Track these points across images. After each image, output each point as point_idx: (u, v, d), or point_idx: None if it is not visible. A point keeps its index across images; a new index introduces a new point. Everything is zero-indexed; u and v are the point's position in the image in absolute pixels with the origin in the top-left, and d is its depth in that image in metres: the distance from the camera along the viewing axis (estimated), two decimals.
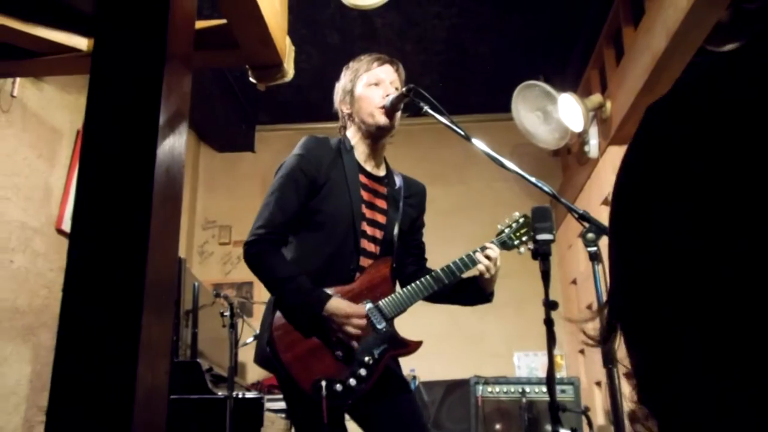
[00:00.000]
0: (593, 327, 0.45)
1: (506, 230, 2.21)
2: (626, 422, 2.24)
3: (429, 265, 2.30)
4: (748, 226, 0.32)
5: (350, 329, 1.91)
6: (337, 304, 1.93)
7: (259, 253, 1.96)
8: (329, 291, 1.97)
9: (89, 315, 0.76)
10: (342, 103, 2.21)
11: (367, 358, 1.96)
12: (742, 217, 0.32)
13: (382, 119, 2.09)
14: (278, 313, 1.96)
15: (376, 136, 2.15)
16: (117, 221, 0.80)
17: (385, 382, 2.00)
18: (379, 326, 2.00)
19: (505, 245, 2.19)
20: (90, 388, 0.72)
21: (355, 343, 1.94)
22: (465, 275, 2.14)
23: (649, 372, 0.38)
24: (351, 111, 2.18)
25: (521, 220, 2.21)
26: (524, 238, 2.20)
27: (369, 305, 2.02)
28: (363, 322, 1.95)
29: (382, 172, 2.22)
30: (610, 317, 0.42)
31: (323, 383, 1.85)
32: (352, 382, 1.92)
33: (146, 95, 0.84)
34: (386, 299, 2.05)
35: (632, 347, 0.40)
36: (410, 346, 2.07)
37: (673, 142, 0.37)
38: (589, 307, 4.42)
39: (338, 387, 1.89)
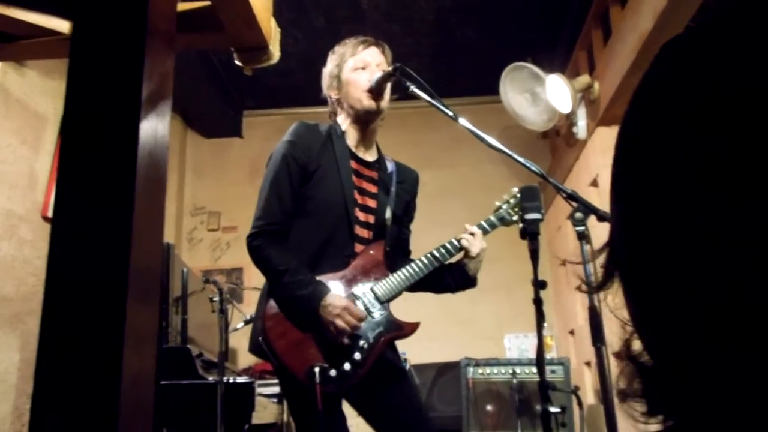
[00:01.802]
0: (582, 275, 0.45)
1: (504, 206, 2.21)
2: (615, 400, 2.26)
3: (419, 247, 2.29)
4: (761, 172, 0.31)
5: (343, 324, 1.89)
6: (334, 298, 1.92)
7: (259, 246, 1.96)
8: (323, 276, 1.96)
9: (73, 301, 0.75)
10: (330, 89, 2.19)
11: (362, 342, 1.95)
12: (755, 164, 0.31)
13: (369, 103, 2.08)
14: (271, 302, 1.95)
15: (365, 121, 2.13)
16: (100, 206, 0.79)
17: (382, 369, 1.99)
18: (373, 310, 2.00)
19: (503, 220, 2.18)
20: (75, 373, 0.72)
21: (347, 340, 1.92)
22: (450, 261, 2.14)
23: (648, 325, 0.38)
24: (339, 96, 2.16)
25: (519, 195, 2.20)
26: (521, 213, 2.19)
27: (365, 288, 2.02)
28: (359, 317, 1.93)
29: (373, 157, 2.20)
30: (609, 263, 0.41)
31: (317, 369, 1.84)
32: (347, 366, 1.91)
33: (127, 76, 0.83)
34: (380, 283, 2.04)
35: (630, 296, 0.39)
36: (406, 329, 2.06)
37: (689, 83, 0.36)
38: (579, 288, 4.45)
39: (332, 372, 1.88)
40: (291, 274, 1.91)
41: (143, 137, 0.82)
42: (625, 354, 0.40)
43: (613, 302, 0.42)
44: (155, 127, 0.86)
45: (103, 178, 0.80)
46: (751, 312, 0.30)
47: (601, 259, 0.43)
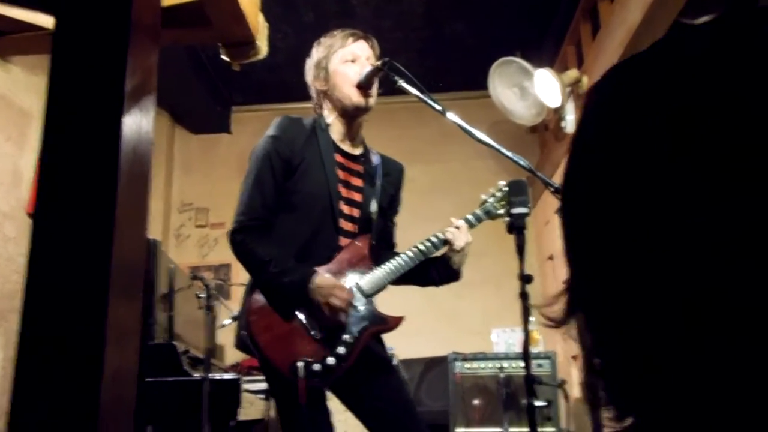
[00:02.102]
0: (554, 311, 0.46)
1: (490, 199, 2.20)
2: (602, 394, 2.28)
3: (407, 242, 2.29)
4: (716, 200, 0.31)
5: (336, 302, 1.90)
6: (323, 279, 1.92)
7: (242, 241, 1.95)
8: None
9: (54, 297, 0.74)
10: (316, 80, 2.16)
11: (346, 336, 1.95)
12: (707, 193, 0.32)
13: (359, 99, 2.06)
14: (254, 297, 1.94)
15: (352, 115, 2.12)
16: (82, 201, 0.78)
17: (369, 363, 1.99)
18: (358, 304, 2.00)
19: (489, 214, 2.18)
20: (56, 369, 0.71)
21: (343, 316, 1.93)
22: (436, 254, 2.15)
23: (610, 355, 0.39)
24: (326, 88, 2.14)
25: (505, 189, 2.20)
26: (508, 207, 2.19)
27: (350, 281, 2.02)
28: (349, 295, 1.94)
29: (358, 151, 2.20)
30: (571, 305, 0.42)
31: (300, 364, 1.84)
32: (331, 360, 1.91)
33: (110, 71, 0.82)
34: (365, 277, 2.04)
35: (593, 332, 0.40)
36: (390, 322, 2.06)
37: (635, 110, 0.36)
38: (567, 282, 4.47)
39: (316, 367, 1.88)
40: (276, 264, 1.91)
41: (126, 132, 0.81)
42: (585, 368, 0.41)
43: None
44: (139, 122, 0.85)
45: (86, 174, 0.79)
46: (716, 311, 0.31)
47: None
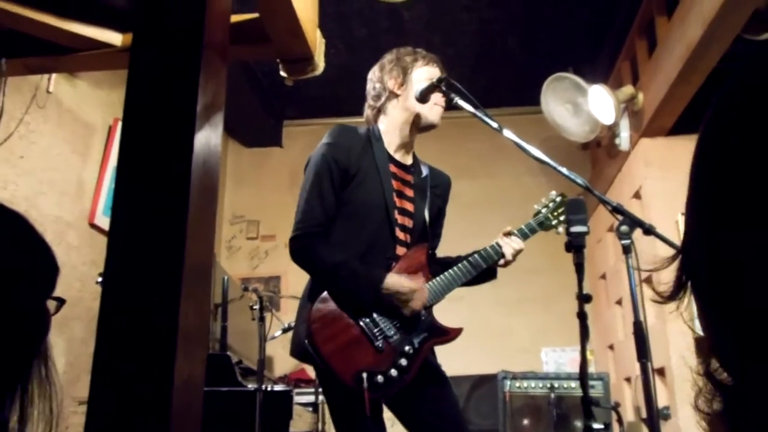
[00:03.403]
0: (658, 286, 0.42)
1: (543, 210, 2.20)
2: (658, 418, 2.20)
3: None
4: None
5: (414, 301, 1.93)
6: (396, 279, 1.94)
7: (304, 247, 1.97)
8: None
9: (128, 304, 0.77)
10: (391, 79, 2.15)
11: (407, 348, 1.95)
12: None
13: (437, 119, 2.13)
14: (317, 306, 1.94)
15: (418, 129, 2.16)
16: (155, 212, 0.81)
17: (424, 375, 1.99)
18: (415, 305, 1.99)
19: (542, 225, 2.19)
20: (130, 376, 0.73)
21: (423, 312, 1.96)
22: None
23: (728, 340, 0.36)
24: (400, 91, 2.14)
25: (558, 200, 2.19)
26: (562, 218, 2.18)
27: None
28: (425, 293, 1.96)
29: (409, 161, 2.21)
30: (681, 273, 0.40)
31: (364, 375, 1.84)
32: (393, 372, 1.90)
33: (183, 88, 0.85)
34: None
35: (707, 309, 0.38)
36: (451, 333, 2.05)
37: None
38: (619, 302, 4.37)
39: (379, 378, 1.88)
40: (344, 267, 1.92)
41: (197, 147, 0.84)
42: (703, 371, 0.38)
43: (685, 314, 0.41)
44: (209, 136, 0.87)
45: (159, 185, 0.82)
46: None
47: (671, 269, 0.41)
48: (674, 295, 0.41)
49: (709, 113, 0.39)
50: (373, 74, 2.20)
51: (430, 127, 2.15)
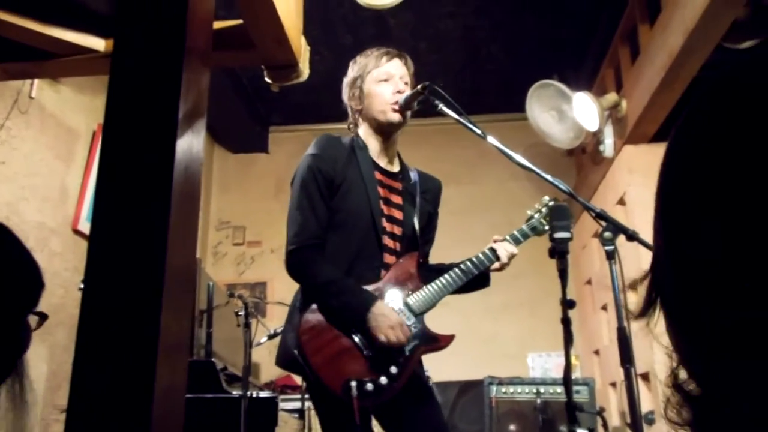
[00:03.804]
0: (634, 301, 0.43)
1: (536, 215, 2.20)
2: (643, 423, 2.22)
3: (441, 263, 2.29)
4: None
5: (393, 337, 1.89)
6: (384, 308, 1.92)
7: (301, 261, 1.97)
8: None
9: (109, 312, 0.76)
10: (351, 99, 2.19)
11: (397, 355, 1.95)
12: None
13: (394, 116, 2.09)
14: (306, 316, 1.94)
15: (387, 132, 2.15)
16: (136, 219, 0.81)
17: (411, 388, 1.98)
18: (408, 323, 1.98)
19: (535, 230, 2.18)
20: (109, 385, 0.73)
21: (393, 347, 1.91)
22: None
23: (694, 353, 0.37)
24: (361, 107, 2.17)
25: (551, 204, 2.19)
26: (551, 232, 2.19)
27: (399, 300, 2.02)
28: (406, 334, 1.93)
29: (396, 168, 2.21)
30: (651, 290, 0.41)
31: (353, 383, 1.83)
32: (383, 380, 1.90)
33: (165, 93, 0.85)
34: (414, 295, 2.03)
35: (674, 324, 0.38)
36: (442, 341, 2.05)
37: (729, 117, 0.35)
38: (604, 308, 4.39)
39: (369, 386, 1.87)
40: (338, 284, 1.92)
41: (179, 153, 0.83)
42: (671, 383, 0.39)
43: (655, 329, 0.41)
44: (191, 142, 0.87)
45: (140, 192, 0.81)
46: None
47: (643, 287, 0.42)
48: (645, 311, 0.41)
49: (675, 128, 0.40)
50: (342, 94, 2.24)
51: (393, 126, 2.12)
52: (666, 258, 0.39)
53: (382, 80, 2.13)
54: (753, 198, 0.32)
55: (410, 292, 2.03)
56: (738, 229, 0.33)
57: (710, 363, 0.35)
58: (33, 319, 0.91)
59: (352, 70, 2.22)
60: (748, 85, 0.36)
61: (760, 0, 2.71)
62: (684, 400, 0.38)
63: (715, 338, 0.34)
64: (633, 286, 0.45)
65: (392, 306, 1.99)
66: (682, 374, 0.38)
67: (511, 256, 2.12)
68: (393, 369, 1.92)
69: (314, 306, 1.95)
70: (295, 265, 1.97)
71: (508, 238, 2.15)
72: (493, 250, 2.12)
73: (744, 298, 0.32)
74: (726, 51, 2.95)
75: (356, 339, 1.92)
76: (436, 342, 2.04)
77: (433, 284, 2.06)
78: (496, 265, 2.12)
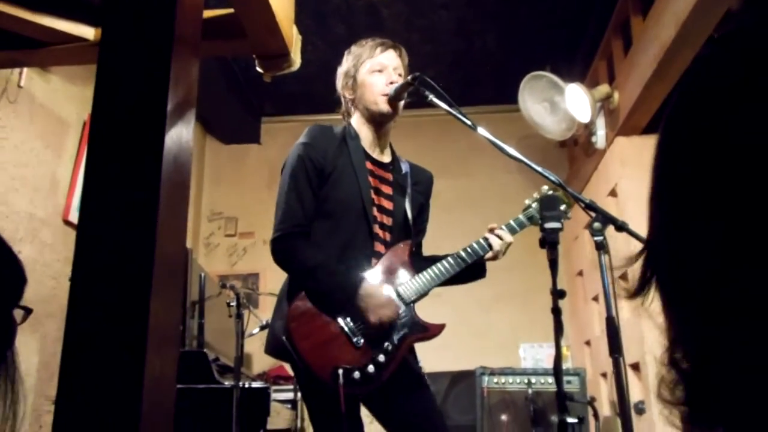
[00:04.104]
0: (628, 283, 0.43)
1: (534, 204, 2.20)
2: (632, 412, 2.23)
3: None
4: None
5: (383, 315, 1.91)
6: (372, 288, 1.94)
7: (285, 248, 1.98)
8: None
9: (97, 303, 0.76)
10: (345, 89, 2.21)
11: (386, 344, 1.95)
12: None
13: (385, 107, 2.10)
14: (295, 303, 1.95)
15: (379, 123, 2.16)
16: (125, 209, 0.80)
17: (402, 376, 1.99)
18: (385, 319, 1.99)
19: (532, 219, 2.18)
20: (98, 375, 0.73)
21: (385, 329, 1.94)
22: None
23: (686, 333, 0.37)
24: (354, 97, 2.18)
25: (549, 194, 2.19)
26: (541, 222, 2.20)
27: (390, 288, 2.02)
28: (395, 312, 1.95)
29: (387, 159, 2.22)
30: (646, 268, 0.41)
31: (341, 371, 1.84)
32: (371, 369, 1.91)
33: (154, 83, 0.84)
34: (406, 284, 2.04)
35: (670, 302, 0.38)
36: (432, 330, 2.05)
37: (728, 93, 0.35)
38: (595, 298, 4.42)
39: (356, 375, 1.88)
40: (323, 269, 1.93)
41: (168, 143, 0.83)
42: (667, 360, 0.39)
43: (650, 307, 0.41)
44: (180, 133, 0.87)
45: (129, 182, 0.81)
46: None
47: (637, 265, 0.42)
48: (640, 290, 0.41)
49: (668, 109, 0.40)
50: (336, 82, 2.24)
51: (384, 116, 2.13)
52: (662, 236, 0.39)
53: (376, 71, 2.13)
54: (749, 178, 0.32)
55: (402, 281, 2.04)
56: (733, 212, 0.33)
57: (704, 339, 0.35)
58: (18, 314, 0.91)
59: (347, 60, 2.22)
60: (728, 68, 0.36)
61: None
62: (678, 378, 0.38)
63: (709, 314, 0.34)
64: (623, 276, 0.45)
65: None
66: (678, 352, 0.38)
67: (507, 245, 2.13)
68: (381, 357, 1.93)
69: (303, 293, 1.95)
70: (280, 252, 1.98)
71: (503, 227, 2.15)
72: (486, 239, 2.12)
73: (739, 277, 0.32)
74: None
75: (345, 326, 1.92)
76: (425, 331, 2.04)
77: (424, 273, 2.06)
78: (490, 254, 2.13)
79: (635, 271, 0.43)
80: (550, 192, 2.17)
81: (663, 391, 0.39)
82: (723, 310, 0.33)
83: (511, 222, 2.18)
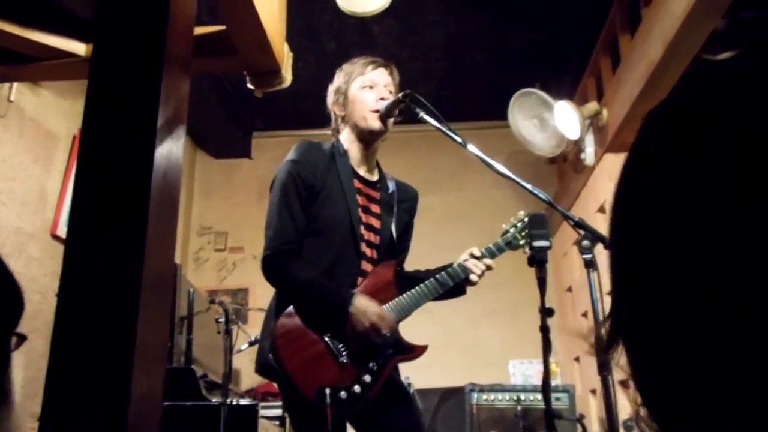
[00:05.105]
0: (591, 338, 0.43)
1: (511, 230, 2.21)
2: (621, 429, 2.23)
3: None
4: (753, 237, 0.30)
5: (379, 326, 1.91)
6: (365, 301, 1.93)
7: (277, 267, 1.97)
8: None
9: (84, 319, 0.76)
10: (335, 105, 2.21)
11: (371, 364, 1.95)
12: (744, 232, 0.30)
13: (375, 123, 2.10)
14: (281, 321, 1.94)
15: (368, 140, 2.16)
16: (113, 225, 0.80)
17: (387, 391, 1.98)
18: (383, 331, 1.99)
19: (510, 245, 2.19)
20: (84, 393, 0.72)
21: (379, 340, 1.93)
22: None
23: (652, 385, 0.37)
24: (344, 113, 2.18)
25: (526, 219, 2.20)
26: (529, 238, 2.20)
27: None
28: (392, 321, 1.95)
29: (375, 177, 2.22)
30: (613, 330, 0.40)
31: (327, 391, 1.83)
32: (357, 389, 1.90)
33: (144, 99, 0.84)
34: (390, 303, 2.04)
35: (634, 359, 0.38)
36: (416, 351, 2.05)
37: (671, 154, 0.36)
38: (585, 315, 4.43)
39: (342, 394, 1.87)
40: (316, 287, 1.93)
41: (158, 159, 0.83)
42: (635, 421, 0.39)
43: (620, 363, 0.41)
44: (170, 149, 0.87)
45: (118, 198, 0.81)
46: None
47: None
48: (609, 347, 0.41)
49: (623, 168, 0.40)
50: (327, 99, 2.25)
51: (374, 133, 2.14)
52: (624, 297, 0.39)
53: (366, 87, 2.14)
54: (709, 238, 0.32)
55: (386, 300, 2.04)
56: (694, 278, 0.32)
57: (669, 410, 0.35)
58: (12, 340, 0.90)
59: (338, 77, 2.23)
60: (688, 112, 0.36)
61: (737, 12, 2.75)
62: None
63: (674, 384, 0.34)
64: (595, 328, 0.45)
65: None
66: (644, 414, 0.38)
67: (487, 269, 2.14)
68: (367, 377, 1.93)
69: (289, 310, 1.95)
70: (271, 270, 1.97)
71: (484, 251, 2.16)
72: (461, 265, 2.12)
73: (706, 343, 0.32)
74: (704, 62, 3.00)
75: (332, 345, 1.92)
76: (410, 351, 2.05)
77: (408, 294, 2.07)
78: (472, 277, 2.13)
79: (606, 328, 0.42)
80: (527, 218, 2.17)
81: (640, 423, 0.39)
82: (688, 377, 0.33)
83: (491, 246, 2.19)
